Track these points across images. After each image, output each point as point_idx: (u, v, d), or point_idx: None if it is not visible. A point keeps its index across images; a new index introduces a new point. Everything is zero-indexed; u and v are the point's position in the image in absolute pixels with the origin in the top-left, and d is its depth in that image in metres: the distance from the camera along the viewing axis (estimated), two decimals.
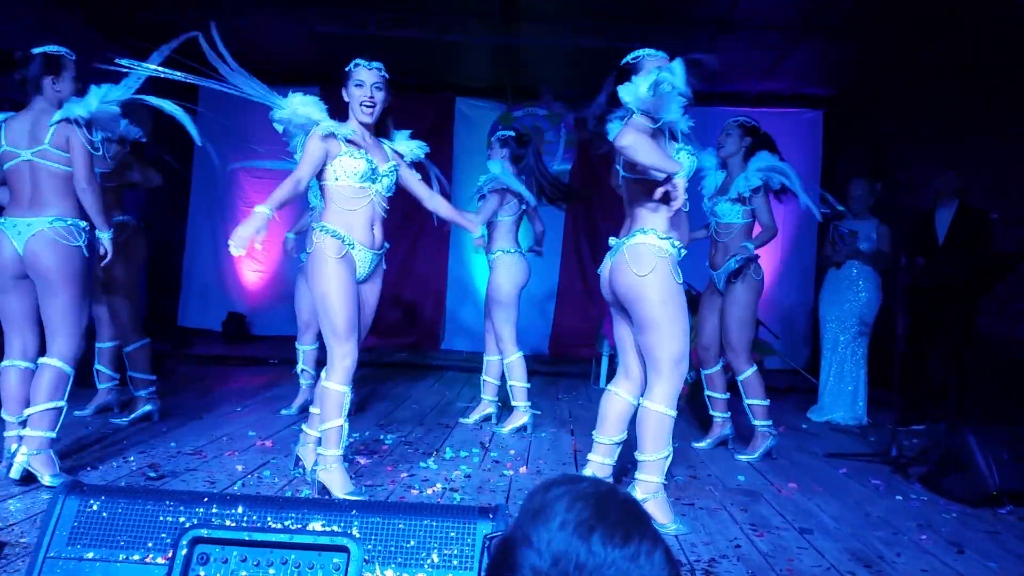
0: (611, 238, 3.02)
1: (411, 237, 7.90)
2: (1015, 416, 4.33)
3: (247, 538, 1.39)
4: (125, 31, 6.88)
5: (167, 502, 1.51)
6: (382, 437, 4.21)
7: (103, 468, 3.34)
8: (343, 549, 1.37)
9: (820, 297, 5.54)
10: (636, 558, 0.73)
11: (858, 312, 5.27)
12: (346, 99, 3.08)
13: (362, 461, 3.65)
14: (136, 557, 1.46)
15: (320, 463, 3.03)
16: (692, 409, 5.14)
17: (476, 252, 4.98)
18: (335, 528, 1.44)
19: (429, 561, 1.42)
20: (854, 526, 3.03)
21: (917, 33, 5.82)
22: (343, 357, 2.99)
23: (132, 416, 4.19)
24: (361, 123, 3.08)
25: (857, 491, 3.59)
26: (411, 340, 8.14)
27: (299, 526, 1.45)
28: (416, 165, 3.40)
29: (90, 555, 1.47)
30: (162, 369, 5.11)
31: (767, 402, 4.11)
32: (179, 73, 2.97)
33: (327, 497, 2.93)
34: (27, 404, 3.12)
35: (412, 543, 1.44)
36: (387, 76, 3.09)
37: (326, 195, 3.07)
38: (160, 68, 3.04)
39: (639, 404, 2.93)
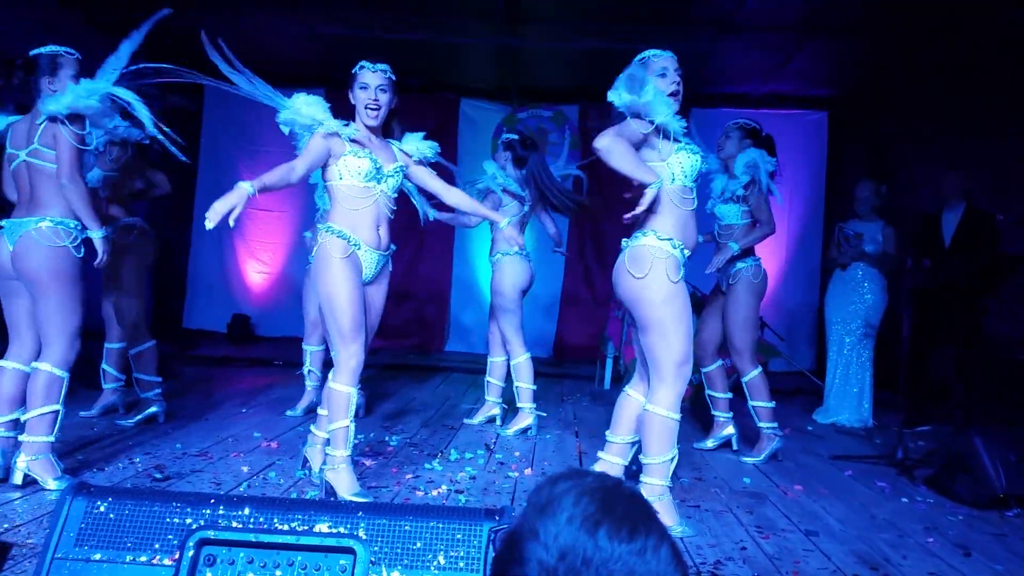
0: (623, 240, 3.02)
1: (416, 239, 7.91)
2: (1021, 418, 4.31)
3: (254, 539, 1.39)
4: (127, 32, 6.91)
5: (174, 503, 1.51)
6: (387, 438, 4.21)
7: (109, 469, 3.35)
8: (349, 551, 1.37)
9: (825, 299, 5.52)
10: (643, 553, 0.73)
11: (864, 314, 5.25)
12: (352, 102, 3.09)
13: (367, 463, 3.66)
14: (143, 558, 1.46)
15: (327, 464, 3.04)
16: (695, 411, 5.13)
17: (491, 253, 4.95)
18: (341, 530, 1.44)
19: (435, 563, 1.42)
20: (860, 528, 3.03)
21: (921, 34, 5.81)
22: (349, 358, 2.99)
23: (138, 418, 4.21)
24: (366, 125, 3.09)
25: (863, 493, 3.58)
26: (416, 342, 8.15)
27: (305, 527, 1.45)
28: (432, 166, 3.40)
29: (97, 556, 1.48)
30: (167, 370, 5.11)
31: (772, 404, 4.10)
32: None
33: (334, 498, 2.93)
34: (17, 406, 3.11)
35: (418, 545, 1.44)
36: (393, 78, 3.09)
37: (332, 195, 3.08)
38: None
39: (644, 407, 2.92)
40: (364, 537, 1.43)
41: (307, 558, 1.39)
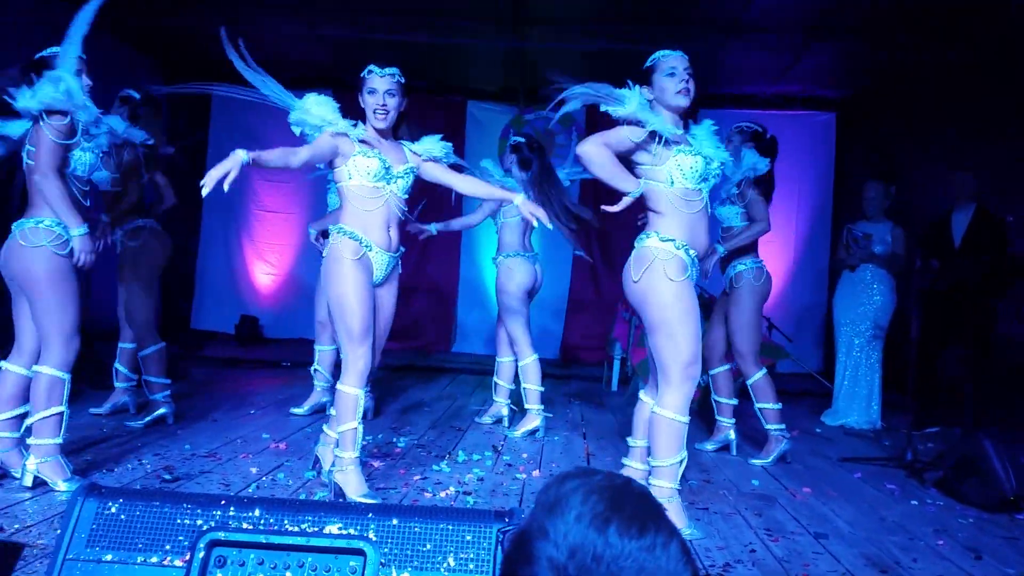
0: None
1: (421, 244, 7.90)
2: None
3: (264, 541, 1.40)
4: (137, 36, 6.95)
5: (184, 505, 1.52)
6: (395, 440, 4.22)
7: (118, 470, 3.36)
8: (360, 552, 1.37)
9: (834, 300, 5.51)
10: (652, 549, 0.74)
11: (872, 315, 5.23)
12: (362, 105, 3.10)
13: (375, 464, 3.66)
14: (154, 559, 1.47)
15: (336, 465, 3.04)
16: (702, 413, 5.12)
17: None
18: (352, 531, 1.44)
19: (445, 565, 1.42)
20: (869, 531, 3.01)
21: (930, 35, 5.79)
22: (357, 359, 3.00)
23: (147, 419, 4.22)
24: (376, 128, 3.10)
25: (872, 496, 3.56)
26: (423, 343, 8.15)
27: (316, 529, 1.45)
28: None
29: (109, 557, 1.48)
30: (176, 372, 5.14)
31: (779, 406, 4.08)
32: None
33: (343, 500, 2.93)
34: (14, 405, 3.12)
35: (428, 547, 1.44)
36: (402, 81, 3.10)
37: (342, 197, 3.10)
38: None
39: (652, 410, 2.91)
40: (374, 539, 1.43)
41: (317, 559, 1.39)
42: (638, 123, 2.82)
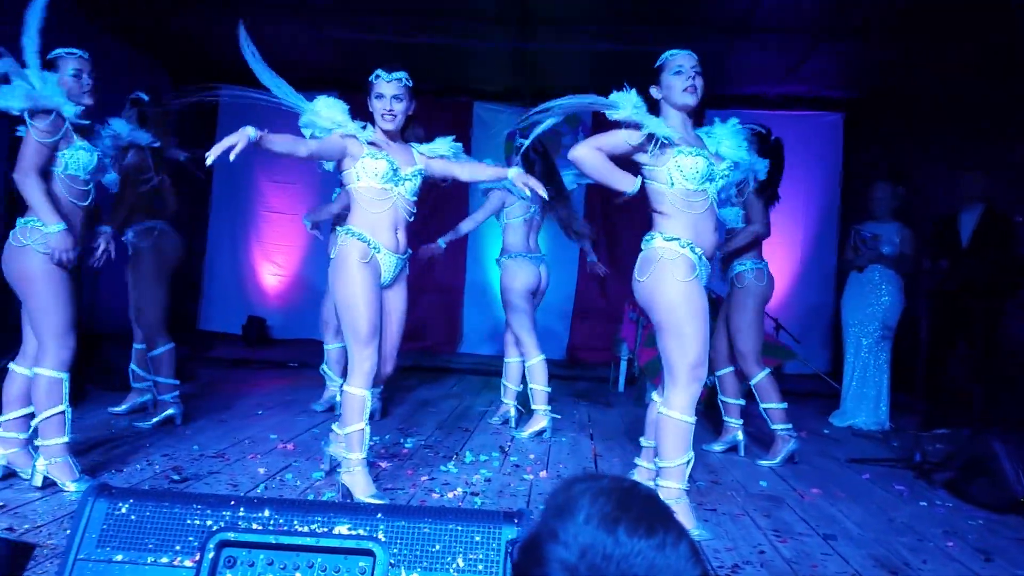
0: None
1: (430, 241, 7.92)
2: None
3: (273, 541, 1.40)
4: (144, 39, 6.98)
5: (194, 505, 1.52)
6: (402, 441, 4.22)
7: (127, 471, 3.38)
8: (369, 553, 1.38)
9: (842, 301, 5.49)
10: (662, 547, 0.74)
11: (881, 316, 5.22)
12: (370, 109, 3.11)
13: (383, 465, 3.67)
14: (164, 560, 1.47)
15: (343, 466, 3.05)
16: (709, 413, 5.11)
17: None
18: (361, 532, 1.44)
19: (455, 566, 1.42)
20: (878, 532, 3.01)
21: (938, 35, 5.77)
22: (363, 360, 3.01)
23: (155, 419, 4.23)
24: (384, 130, 3.11)
25: (881, 497, 3.55)
26: (430, 344, 8.16)
27: (325, 529, 1.45)
28: None
29: (119, 557, 1.48)
30: (184, 372, 5.15)
31: (784, 405, 4.06)
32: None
33: (351, 500, 2.94)
34: (19, 405, 3.13)
35: (437, 547, 1.44)
36: (409, 84, 3.10)
37: (351, 199, 3.11)
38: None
39: (659, 410, 2.91)
40: (383, 539, 1.43)
41: (327, 560, 1.39)
42: (636, 125, 2.82)
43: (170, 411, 4.29)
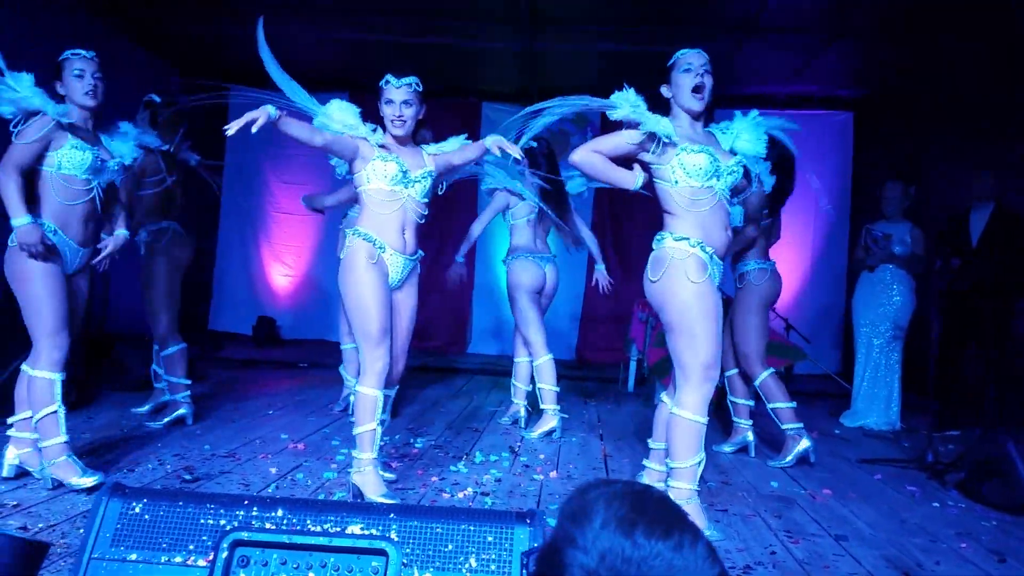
0: None
1: (438, 242, 7.94)
2: None
3: (287, 541, 1.41)
4: (162, 42, 7.02)
5: (208, 505, 1.52)
6: (412, 441, 4.23)
7: (139, 471, 3.39)
8: (382, 552, 1.38)
9: (853, 301, 5.46)
10: (680, 548, 0.75)
11: (892, 316, 5.19)
12: (381, 114, 3.12)
13: (393, 465, 3.67)
14: (178, 559, 1.48)
15: (354, 466, 3.06)
16: (718, 415, 5.10)
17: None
18: (374, 531, 1.45)
19: (467, 566, 1.42)
20: (891, 533, 2.99)
21: (949, 34, 5.74)
22: (375, 361, 3.02)
23: (166, 419, 4.26)
24: (394, 136, 3.12)
25: (892, 497, 3.53)
26: (438, 344, 8.18)
27: (338, 529, 1.46)
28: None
29: (133, 556, 1.49)
30: (195, 372, 5.18)
31: (792, 404, 4.03)
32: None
33: (362, 500, 2.94)
34: (26, 407, 3.14)
35: (450, 547, 1.44)
36: (419, 89, 3.11)
37: (361, 201, 3.12)
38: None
39: (670, 411, 2.90)
40: (396, 539, 1.43)
41: (340, 560, 1.40)
42: (635, 124, 2.83)
43: (181, 411, 4.31)
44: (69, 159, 3.08)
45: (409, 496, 3.21)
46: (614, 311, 7.81)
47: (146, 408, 4.46)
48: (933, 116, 6.89)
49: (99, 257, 3.30)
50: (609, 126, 2.98)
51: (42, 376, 3.03)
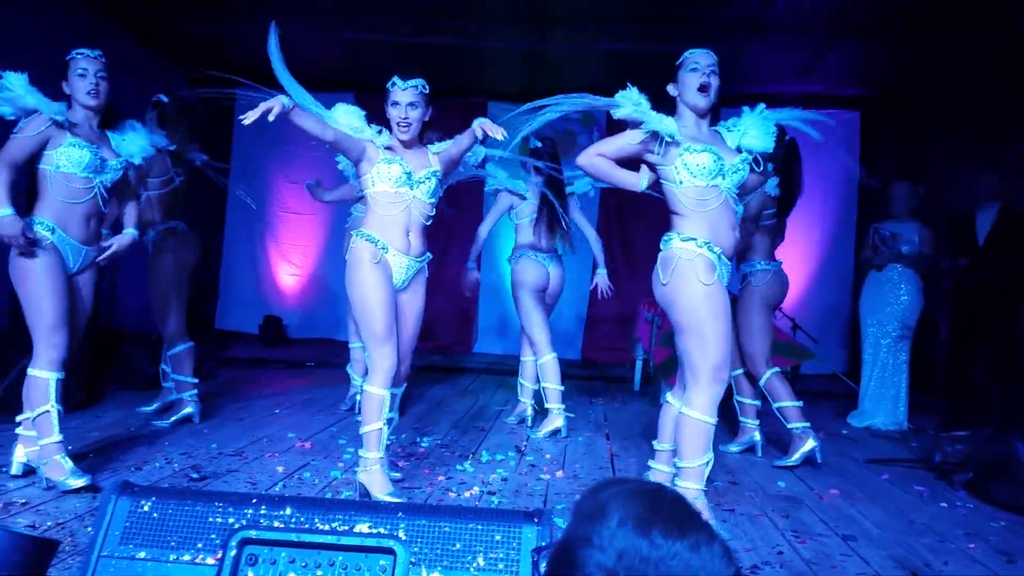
0: None
1: (444, 241, 7.94)
2: None
3: (295, 539, 1.41)
4: (166, 42, 7.03)
5: (216, 503, 1.53)
6: (418, 440, 4.23)
7: (147, 469, 3.40)
8: (390, 551, 1.38)
9: (861, 300, 5.44)
10: (697, 548, 0.75)
11: (900, 316, 5.17)
12: (387, 116, 3.13)
13: (400, 464, 3.67)
14: (187, 557, 1.48)
15: (360, 465, 3.07)
16: (725, 414, 5.08)
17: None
18: (382, 530, 1.45)
19: (475, 565, 1.42)
20: (898, 533, 2.98)
21: (955, 33, 5.71)
22: (383, 359, 3.03)
23: (173, 418, 4.27)
24: (399, 139, 3.12)
25: (900, 498, 3.52)
26: (444, 343, 8.18)
27: (346, 528, 1.46)
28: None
29: (142, 555, 1.50)
30: (203, 372, 5.19)
31: (798, 403, 4.01)
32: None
33: (369, 499, 2.95)
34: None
35: (458, 546, 1.44)
36: (425, 91, 3.11)
37: (367, 203, 3.14)
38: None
39: (680, 411, 2.90)
40: (404, 538, 1.43)
41: (348, 558, 1.40)
42: (637, 123, 2.82)
43: (188, 409, 4.32)
44: (68, 157, 3.09)
45: (416, 495, 3.21)
46: (620, 311, 7.80)
47: (153, 407, 4.48)
48: (939, 116, 6.86)
49: (104, 255, 3.30)
50: (615, 125, 2.97)
51: (39, 375, 3.03)
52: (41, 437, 3.03)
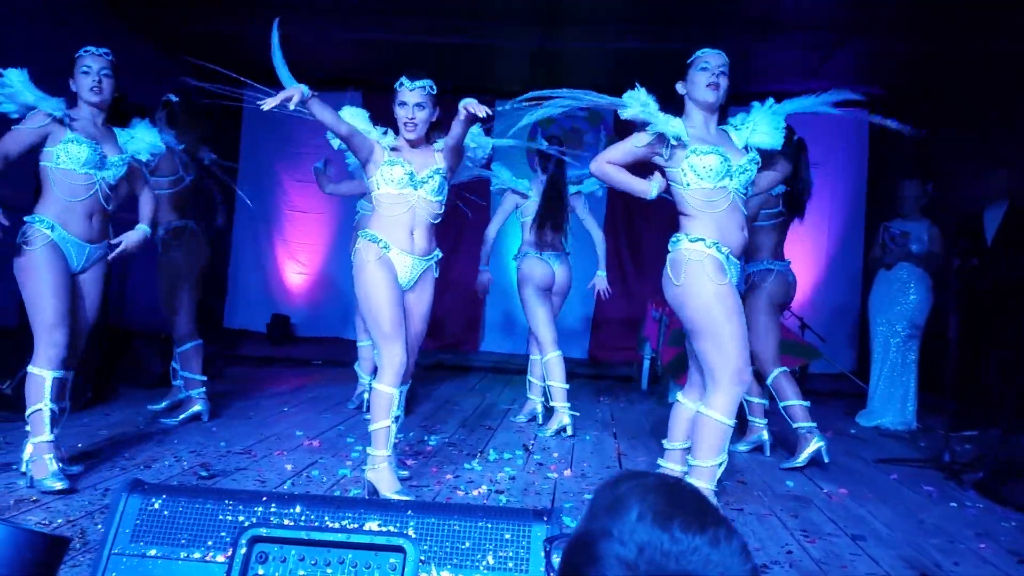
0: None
1: (452, 240, 7.95)
2: None
3: (305, 537, 1.41)
4: (173, 42, 7.05)
5: (227, 501, 1.53)
6: (426, 438, 4.24)
7: (156, 467, 3.41)
8: (399, 549, 1.38)
9: (870, 299, 5.42)
10: (717, 543, 0.75)
11: (909, 315, 5.15)
12: (395, 116, 3.13)
13: (407, 463, 3.68)
14: (197, 555, 1.49)
15: (368, 463, 3.07)
16: None
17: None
18: (391, 528, 1.45)
19: (485, 563, 1.42)
20: (908, 533, 2.97)
21: (965, 31, 5.68)
22: (392, 357, 3.04)
23: (182, 416, 4.28)
24: (406, 139, 3.13)
25: (909, 497, 3.51)
26: (452, 342, 8.18)
27: (356, 526, 1.46)
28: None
29: (152, 552, 1.50)
30: (211, 370, 5.21)
31: (805, 403, 3.98)
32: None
33: (378, 497, 2.95)
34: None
35: (467, 544, 1.44)
36: (433, 92, 3.11)
37: (374, 205, 3.15)
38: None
39: (698, 409, 2.88)
40: (414, 536, 1.44)
41: (357, 556, 1.40)
42: (644, 124, 2.82)
43: (197, 407, 4.34)
44: (67, 153, 3.09)
45: (424, 493, 3.22)
46: (627, 310, 7.80)
47: (163, 405, 4.49)
48: (950, 113, 6.82)
49: (114, 252, 3.30)
50: (622, 123, 2.97)
51: (36, 373, 3.04)
52: (32, 435, 3.03)
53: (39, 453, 3.01)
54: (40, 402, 3.03)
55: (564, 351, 4.65)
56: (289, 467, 3.50)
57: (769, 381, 4.05)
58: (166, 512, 1.54)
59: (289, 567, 1.41)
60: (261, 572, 1.40)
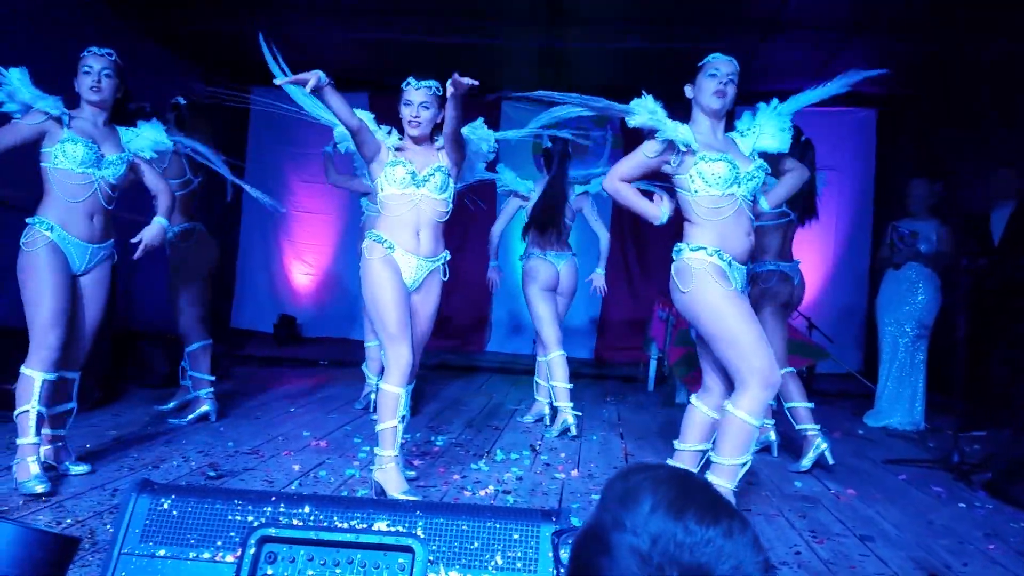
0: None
1: (458, 240, 7.94)
2: None
3: (314, 537, 1.41)
4: (179, 41, 7.07)
5: (236, 501, 1.53)
6: (433, 439, 4.24)
7: (164, 467, 3.42)
8: (408, 549, 1.38)
9: (878, 299, 5.39)
10: (730, 535, 0.76)
11: (917, 315, 5.12)
12: (400, 116, 3.14)
13: (414, 463, 3.68)
14: (206, 555, 1.49)
15: (375, 463, 3.08)
16: None
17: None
18: (400, 528, 1.45)
19: (493, 563, 1.42)
20: (917, 534, 2.96)
21: (971, 29, 5.66)
22: (399, 357, 3.04)
23: (190, 416, 4.30)
24: (410, 136, 3.14)
25: (918, 498, 3.49)
26: (458, 342, 8.18)
27: (364, 526, 1.46)
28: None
29: (162, 552, 1.51)
30: (219, 370, 5.23)
31: (810, 405, 3.96)
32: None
33: (385, 497, 2.96)
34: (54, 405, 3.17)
35: (476, 545, 1.44)
36: (439, 92, 3.12)
37: (380, 206, 3.16)
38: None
39: (724, 407, 2.87)
40: (422, 536, 1.44)
41: (366, 556, 1.40)
42: (652, 131, 2.82)
43: (205, 408, 4.35)
44: (64, 153, 3.10)
45: (431, 494, 3.22)
46: (633, 310, 7.79)
47: (171, 405, 4.51)
48: (957, 113, 6.79)
49: (138, 252, 3.28)
50: (631, 126, 2.96)
51: (27, 374, 3.04)
52: (18, 435, 3.03)
53: (23, 455, 3.00)
54: (28, 403, 3.02)
55: (570, 351, 4.66)
56: (296, 467, 3.50)
57: None
58: (175, 512, 1.55)
59: (298, 567, 1.42)
60: (270, 572, 1.40)
